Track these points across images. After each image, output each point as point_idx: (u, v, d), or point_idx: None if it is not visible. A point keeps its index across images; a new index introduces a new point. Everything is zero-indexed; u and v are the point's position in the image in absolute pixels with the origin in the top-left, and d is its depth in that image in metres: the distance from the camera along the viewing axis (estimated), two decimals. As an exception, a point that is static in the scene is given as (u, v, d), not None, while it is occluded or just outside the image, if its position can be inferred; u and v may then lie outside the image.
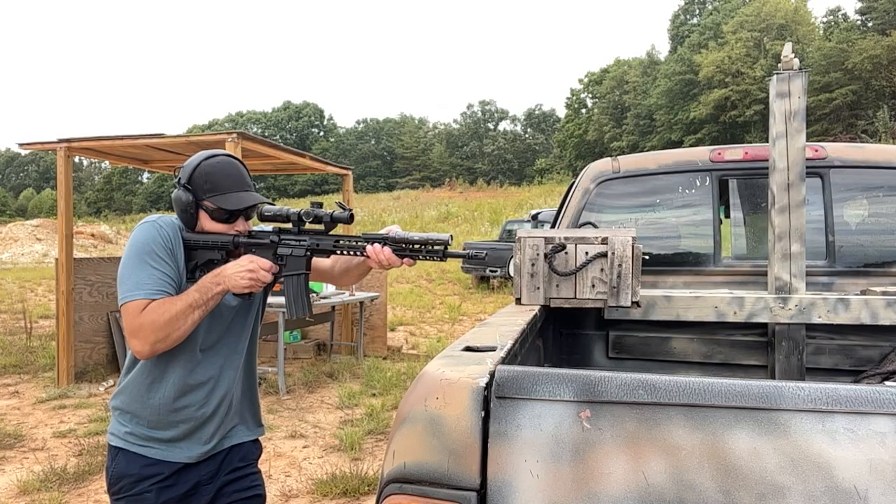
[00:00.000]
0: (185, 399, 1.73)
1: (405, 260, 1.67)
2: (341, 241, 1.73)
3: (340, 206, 1.74)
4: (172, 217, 1.77)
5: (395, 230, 1.70)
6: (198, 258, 1.74)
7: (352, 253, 1.72)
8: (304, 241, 1.75)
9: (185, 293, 1.62)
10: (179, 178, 1.73)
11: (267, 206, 1.74)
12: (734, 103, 41.34)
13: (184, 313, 1.59)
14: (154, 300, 1.60)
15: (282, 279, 1.77)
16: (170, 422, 1.73)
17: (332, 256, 1.81)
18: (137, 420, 1.72)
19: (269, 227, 1.80)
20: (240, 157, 6.15)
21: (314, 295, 6.64)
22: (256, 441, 1.97)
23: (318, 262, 1.91)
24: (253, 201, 1.73)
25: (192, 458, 1.76)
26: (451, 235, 1.64)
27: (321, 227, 1.75)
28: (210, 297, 1.63)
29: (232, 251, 1.75)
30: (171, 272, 1.67)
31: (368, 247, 1.68)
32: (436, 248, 1.65)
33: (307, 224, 1.76)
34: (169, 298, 1.61)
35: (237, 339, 1.84)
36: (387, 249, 1.67)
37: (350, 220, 1.69)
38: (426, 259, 1.67)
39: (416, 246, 1.67)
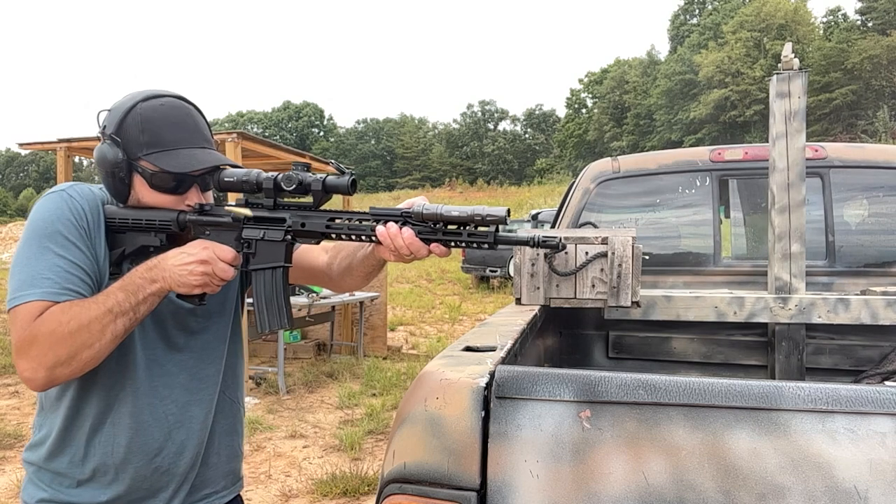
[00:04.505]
0: (129, 451, 1.23)
1: (433, 247, 1.12)
2: (338, 220, 1.16)
3: (338, 168, 1.17)
4: (94, 186, 1.26)
5: (419, 202, 1.14)
6: (126, 244, 1.22)
7: (354, 238, 1.16)
8: (283, 219, 1.18)
9: (105, 293, 1.12)
10: (104, 127, 1.20)
11: (229, 170, 1.20)
12: (734, 103, 41.40)
13: (100, 322, 1.08)
14: (56, 303, 1.10)
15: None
16: (108, 481, 1.23)
17: (329, 245, 1.29)
18: (61, 480, 1.25)
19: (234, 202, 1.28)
20: (239, 158, 6.17)
21: (313, 295, 6.56)
22: (236, 498, 1.45)
23: (309, 256, 1.38)
24: (212, 162, 1.20)
25: None
26: (509, 210, 1.09)
27: (308, 199, 1.18)
28: (141, 300, 1.12)
29: (177, 234, 1.22)
30: (86, 263, 1.17)
31: (380, 228, 1.13)
32: (481, 229, 1.10)
33: (288, 195, 1.18)
34: (79, 301, 1.11)
35: (205, 363, 1.32)
36: (407, 231, 1.11)
37: (351, 189, 1.13)
38: (467, 246, 1.12)
39: (454, 227, 1.12)
